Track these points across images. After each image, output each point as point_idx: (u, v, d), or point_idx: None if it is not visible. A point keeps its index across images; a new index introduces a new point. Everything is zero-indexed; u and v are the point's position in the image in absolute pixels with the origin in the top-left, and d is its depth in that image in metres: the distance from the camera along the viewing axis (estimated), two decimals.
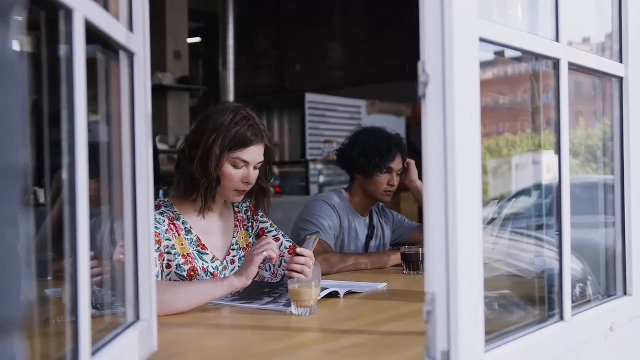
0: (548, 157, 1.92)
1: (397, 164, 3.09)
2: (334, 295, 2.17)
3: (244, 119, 2.24)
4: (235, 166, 2.24)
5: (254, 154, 2.25)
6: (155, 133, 1.65)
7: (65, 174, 1.04)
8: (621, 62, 1.87)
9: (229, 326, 1.83)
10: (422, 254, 2.71)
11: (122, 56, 1.37)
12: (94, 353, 1.11)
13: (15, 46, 0.60)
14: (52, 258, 1.60)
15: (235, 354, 1.60)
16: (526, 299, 1.78)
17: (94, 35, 1.14)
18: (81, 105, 1.04)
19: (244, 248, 2.41)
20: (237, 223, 2.43)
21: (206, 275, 2.26)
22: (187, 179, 2.25)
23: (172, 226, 2.22)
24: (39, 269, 1.48)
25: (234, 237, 2.40)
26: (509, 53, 1.57)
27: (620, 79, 1.87)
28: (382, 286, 2.41)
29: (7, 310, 0.57)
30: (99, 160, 1.37)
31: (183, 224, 2.28)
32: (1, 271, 0.56)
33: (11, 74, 0.58)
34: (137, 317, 1.41)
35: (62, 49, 1.04)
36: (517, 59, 1.76)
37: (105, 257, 1.55)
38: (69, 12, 1.02)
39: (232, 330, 1.81)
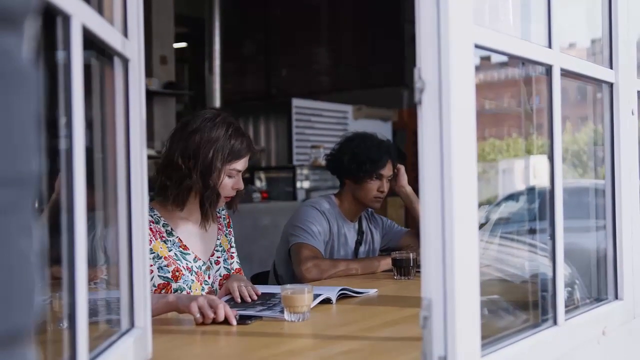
0: (535, 162, 1.93)
1: (387, 171, 3.09)
2: (326, 301, 2.17)
3: (236, 131, 2.34)
4: (230, 176, 2.33)
5: (245, 162, 2.37)
6: None
7: (62, 180, 1.03)
8: (611, 67, 1.88)
9: (222, 333, 1.82)
10: (413, 259, 2.72)
11: (117, 62, 1.36)
12: None
13: (28, 54, 0.60)
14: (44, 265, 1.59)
15: None
16: (518, 304, 1.79)
17: (89, 40, 1.13)
18: (78, 111, 1.04)
19: (227, 250, 2.49)
20: (220, 227, 2.51)
21: (190, 274, 2.30)
22: (185, 191, 2.30)
23: (148, 230, 2.24)
24: None
25: (218, 239, 2.47)
26: (495, 58, 1.58)
27: (611, 85, 1.88)
28: (373, 292, 2.41)
29: (22, 320, 0.57)
30: (93, 165, 1.36)
31: (164, 226, 2.33)
32: (16, 280, 0.56)
33: (25, 82, 0.58)
34: (132, 324, 1.40)
35: (59, 55, 1.04)
36: (503, 64, 1.77)
37: (97, 263, 1.55)
38: (66, 18, 1.01)
39: (225, 336, 1.80)
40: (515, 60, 1.65)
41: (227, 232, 2.55)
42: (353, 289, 2.33)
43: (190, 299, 1.92)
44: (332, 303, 2.17)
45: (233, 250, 2.56)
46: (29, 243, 0.58)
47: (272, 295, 2.23)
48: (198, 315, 1.87)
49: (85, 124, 1.13)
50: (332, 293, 2.20)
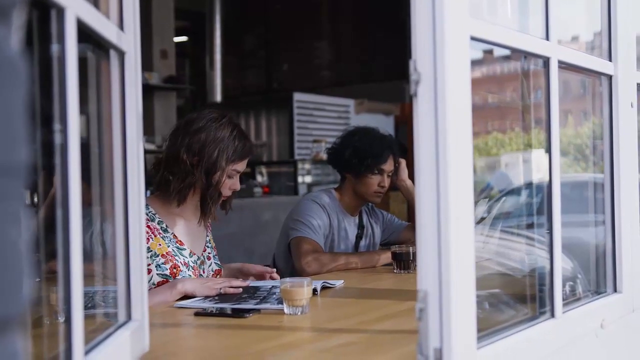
0: (537, 156, 1.93)
1: (388, 166, 3.09)
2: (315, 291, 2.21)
3: (240, 133, 2.40)
4: (230, 176, 2.38)
5: (245, 164, 2.44)
6: None
7: (57, 175, 1.03)
8: (610, 60, 1.88)
9: (221, 326, 1.83)
10: (413, 253, 2.72)
11: (113, 55, 1.36)
12: (86, 352, 1.11)
13: (16, 45, 0.60)
14: (41, 259, 1.59)
15: (228, 354, 1.60)
16: (517, 297, 1.78)
17: (84, 34, 1.13)
18: (73, 104, 1.04)
19: (214, 247, 2.56)
20: (208, 225, 2.56)
21: (187, 270, 2.34)
22: (188, 187, 2.34)
23: (146, 228, 2.26)
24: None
25: (207, 236, 2.53)
26: (498, 52, 1.58)
27: (609, 77, 1.88)
28: (339, 283, 2.45)
29: (10, 307, 0.57)
30: (89, 160, 1.36)
31: (158, 223, 2.36)
32: (4, 268, 0.56)
33: (13, 72, 0.58)
34: (129, 317, 1.40)
35: (54, 48, 1.04)
36: (506, 58, 1.76)
37: (95, 258, 1.55)
38: (60, 11, 1.01)
39: (224, 330, 1.80)
40: (516, 53, 1.65)
41: (211, 230, 2.61)
42: (328, 282, 2.39)
43: (204, 286, 2.17)
44: (317, 294, 2.20)
45: (213, 250, 2.61)
46: (18, 232, 0.58)
47: (257, 288, 2.25)
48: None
49: (83, 118, 1.13)
50: (316, 284, 2.24)
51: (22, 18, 0.63)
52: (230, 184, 2.39)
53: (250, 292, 2.20)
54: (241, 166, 2.40)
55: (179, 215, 2.41)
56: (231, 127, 2.37)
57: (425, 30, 1.20)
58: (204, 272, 2.43)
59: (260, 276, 2.49)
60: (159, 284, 2.25)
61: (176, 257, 2.32)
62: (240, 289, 2.20)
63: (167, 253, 2.30)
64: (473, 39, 1.28)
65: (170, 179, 2.33)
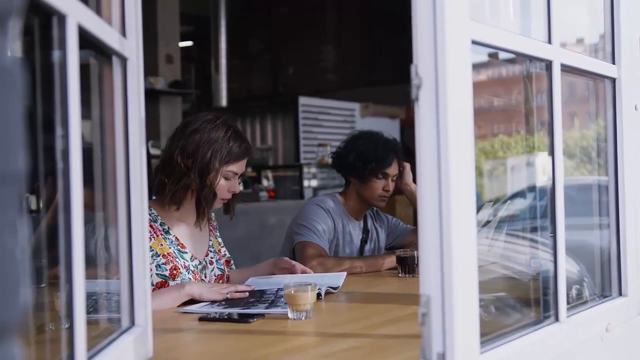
0: (542, 159, 1.93)
1: (393, 170, 3.08)
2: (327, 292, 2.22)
3: (235, 134, 2.39)
4: (226, 178, 2.38)
5: (242, 166, 2.42)
6: (147, 138, 1.67)
7: (59, 181, 1.04)
8: (614, 63, 1.87)
9: (225, 331, 1.83)
10: (417, 257, 2.71)
11: (115, 61, 1.37)
12: (89, 358, 1.11)
13: (13, 52, 0.60)
14: (45, 265, 1.60)
15: (232, 359, 1.60)
16: (522, 301, 1.78)
17: (86, 40, 1.14)
18: (74, 110, 1.04)
19: (217, 252, 2.55)
20: (211, 229, 2.56)
21: (187, 273, 2.34)
22: (183, 189, 2.34)
23: (148, 227, 2.28)
24: (33, 275, 1.47)
25: (210, 241, 2.53)
26: (503, 54, 1.58)
27: (613, 80, 1.87)
28: (342, 276, 2.48)
29: (6, 315, 0.57)
30: (92, 166, 1.37)
31: (161, 225, 2.37)
32: (1, 275, 0.56)
33: (10, 80, 0.58)
34: (132, 323, 1.40)
35: (55, 54, 1.04)
36: (511, 61, 1.76)
37: (100, 264, 1.55)
38: (62, 18, 1.02)
39: (228, 335, 1.80)
40: (519, 56, 1.64)
41: (216, 234, 2.61)
42: (332, 287, 2.36)
43: (211, 291, 2.16)
44: (321, 299, 2.19)
45: (224, 250, 2.61)
46: (14, 239, 0.58)
47: (264, 292, 2.26)
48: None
49: (87, 124, 1.13)
50: (322, 285, 2.24)
51: (19, 26, 0.63)
52: (228, 186, 2.38)
53: (257, 297, 2.20)
54: (237, 168, 2.39)
55: (180, 220, 2.41)
56: (225, 128, 2.36)
57: (426, 35, 1.20)
58: (205, 277, 2.43)
59: (291, 270, 2.52)
60: (158, 285, 2.26)
61: (177, 259, 2.32)
62: (247, 294, 2.20)
63: (168, 254, 2.31)
64: (474, 42, 1.28)
65: (166, 181, 2.33)
